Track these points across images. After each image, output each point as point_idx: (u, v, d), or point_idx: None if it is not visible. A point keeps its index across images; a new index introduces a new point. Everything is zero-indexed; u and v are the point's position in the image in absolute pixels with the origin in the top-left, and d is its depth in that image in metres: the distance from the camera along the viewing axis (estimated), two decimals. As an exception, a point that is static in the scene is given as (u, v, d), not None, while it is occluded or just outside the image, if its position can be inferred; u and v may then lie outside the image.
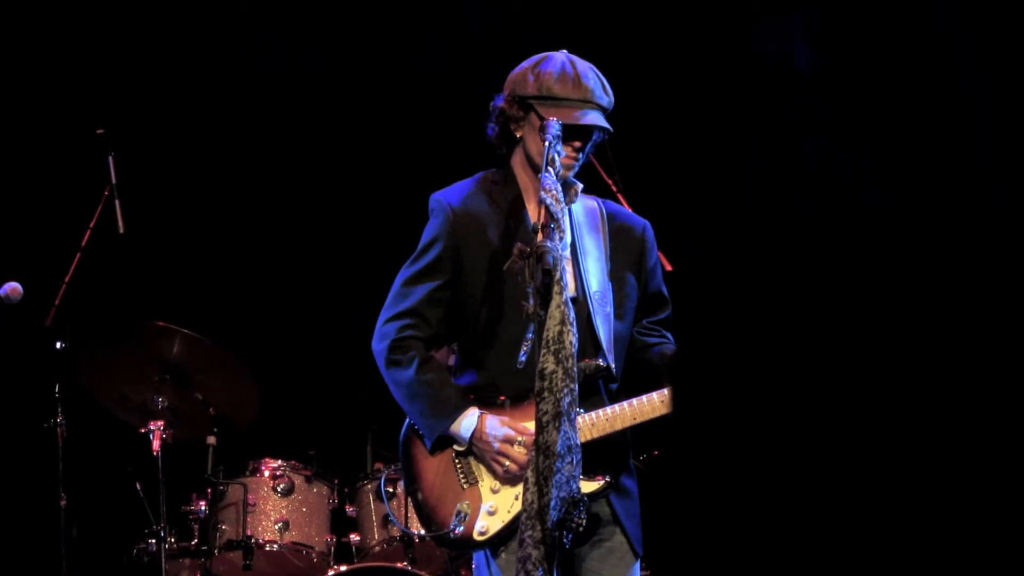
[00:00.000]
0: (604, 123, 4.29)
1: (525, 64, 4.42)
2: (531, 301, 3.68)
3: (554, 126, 4.14)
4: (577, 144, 4.30)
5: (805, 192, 6.41)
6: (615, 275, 4.43)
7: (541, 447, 3.68)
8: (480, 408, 4.30)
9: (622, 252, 4.48)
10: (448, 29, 7.61)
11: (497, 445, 4.23)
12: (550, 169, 4.01)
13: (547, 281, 3.68)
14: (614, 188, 5.72)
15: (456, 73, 7.48)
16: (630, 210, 4.75)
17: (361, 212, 7.63)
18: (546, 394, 3.70)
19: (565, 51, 4.43)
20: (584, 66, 4.36)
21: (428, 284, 4.36)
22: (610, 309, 4.37)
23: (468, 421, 4.26)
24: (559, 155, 4.12)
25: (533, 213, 4.38)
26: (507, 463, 4.22)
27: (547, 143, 4.09)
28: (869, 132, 6.45)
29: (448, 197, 4.43)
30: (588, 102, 4.28)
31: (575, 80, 4.29)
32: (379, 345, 4.35)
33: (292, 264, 7.77)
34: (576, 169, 4.38)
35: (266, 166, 7.77)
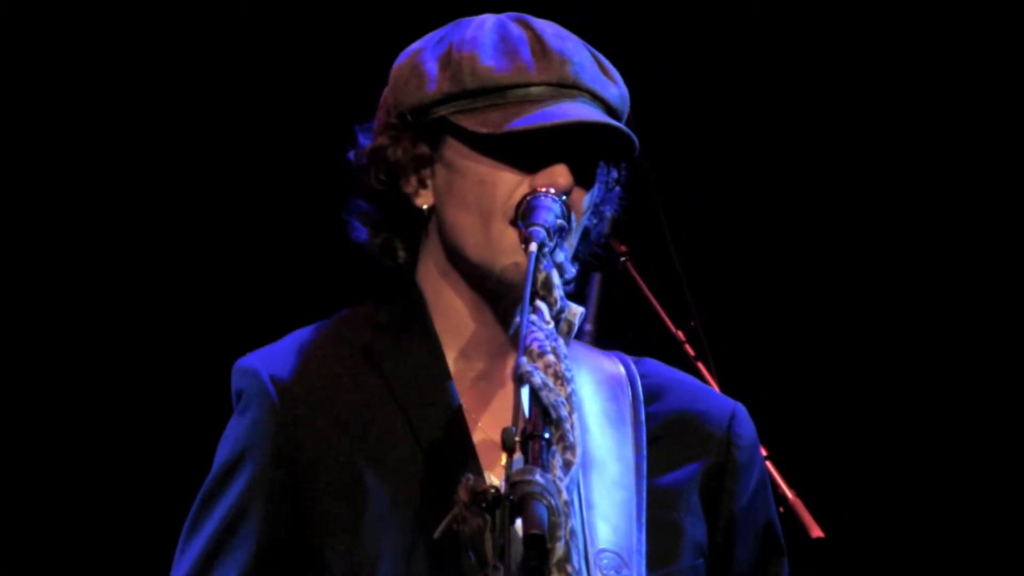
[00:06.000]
0: (611, 121, 2.04)
1: (415, 46, 2.22)
2: None
3: (552, 204, 1.99)
4: (562, 180, 2.01)
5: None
6: (657, 520, 2.06)
7: None
8: None
9: (674, 470, 2.12)
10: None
11: None
12: (541, 305, 1.91)
13: (535, 563, 1.71)
14: (689, 349, 3.08)
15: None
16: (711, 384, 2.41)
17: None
18: None
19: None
20: (549, 28, 2.11)
21: (231, 560, 2.02)
22: None
23: None
24: (560, 272, 1.97)
25: (468, 393, 2.10)
26: None
27: (531, 242, 1.94)
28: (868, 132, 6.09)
29: (271, 366, 2.07)
30: (570, 86, 2.04)
31: (536, 45, 2.06)
32: None
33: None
34: (569, 267, 2.04)
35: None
